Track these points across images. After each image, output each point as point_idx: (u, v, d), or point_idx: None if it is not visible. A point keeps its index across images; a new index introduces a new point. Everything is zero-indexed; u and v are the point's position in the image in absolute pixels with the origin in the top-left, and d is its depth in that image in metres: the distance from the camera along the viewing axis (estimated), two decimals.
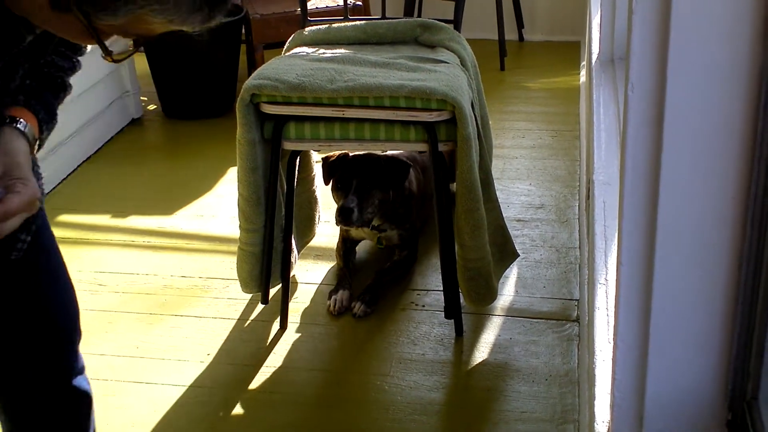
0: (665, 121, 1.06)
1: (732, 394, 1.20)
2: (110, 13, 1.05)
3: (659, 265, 1.14)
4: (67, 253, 2.76)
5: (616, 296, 1.19)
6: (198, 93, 3.89)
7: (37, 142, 1.30)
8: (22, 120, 1.26)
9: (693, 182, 1.09)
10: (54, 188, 3.27)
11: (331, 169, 2.48)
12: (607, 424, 1.31)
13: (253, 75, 2.23)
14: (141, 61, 3.96)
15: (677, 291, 1.15)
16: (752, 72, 1.02)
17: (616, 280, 1.18)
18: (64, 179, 3.36)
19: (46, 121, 1.33)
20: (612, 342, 1.25)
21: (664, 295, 1.16)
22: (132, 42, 1.18)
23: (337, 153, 2.49)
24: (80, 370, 1.49)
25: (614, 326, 1.21)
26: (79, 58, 1.45)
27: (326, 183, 2.49)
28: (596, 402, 1.42)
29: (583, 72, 3.93)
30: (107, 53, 1.14)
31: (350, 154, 2.48)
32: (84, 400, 1.51)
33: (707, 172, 1.08)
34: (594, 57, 2.79)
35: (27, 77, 1.31)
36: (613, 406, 1.25)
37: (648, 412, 1.23)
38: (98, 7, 1.05)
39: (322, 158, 2.52)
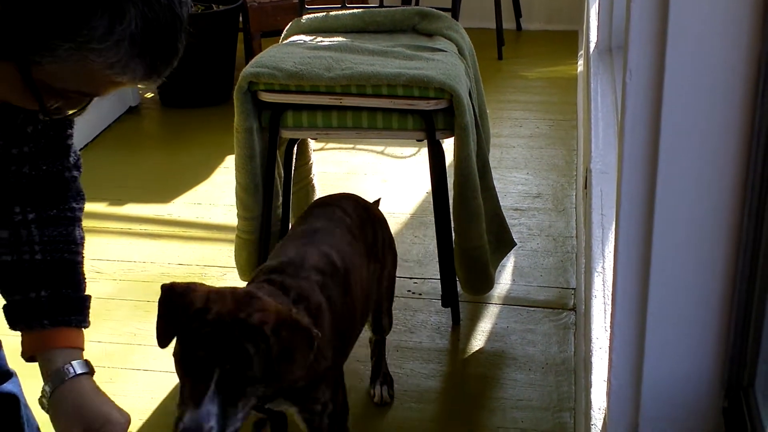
0: (663, 110, 1.06)
1: (728, 382, 1.20)
2: (50, 52, 1.00)
3: (656, 253, 1.14)
4: None
5: (613, 284, 1.20)
6: (195, 81, 3.88)
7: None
8: (73, 364, 1.24)
9: (690, 171, 1.09)
10: None
11: (172, 321, 1.39)
12: (604, 411, 1.31)
13: (250, 63, 2.23)
14: None
15: (674, 279, 1.15)
16: (750, 60, 1.02)
17: (613, 268, 1.19)
18: None
19: (83, 316, 1.31)
20: (609, 330, 1.26)
21: (660, 283, 1.16)
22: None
23: (187, 288, 1.41)
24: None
25: (611, 314, 1.21)
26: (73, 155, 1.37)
27: (161, 344, 1.43)
28: (593, 389, 1.43)
29: (580, 61, 3.93)
30: (45, 112, 1.08)
31: (210, 313, 1.33)
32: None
33: (704, 161, 1.08)
34: (592, 46, 2.79)
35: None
36: (609, 394, 1.25)
37: (644, 400, 1.23)
38: (37, 48, 1.00)
39: (163, 292, 1.43)
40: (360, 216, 1.91)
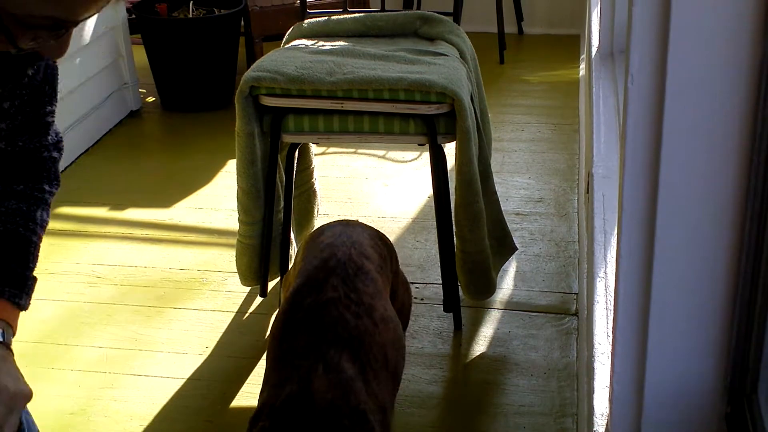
0: (665, 114, 1.05)
1: (731, 388, 1.19)
2: None
3: (658, 258, 1.13)
4: (65, 245, 2.79)
5: (615, 289, 1.19)
6: (197, 85, 3.88)
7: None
8: None
9: (692, 175, 1.08)
10: None
11: None
12: (606, 417, 1.30)
13: (252, 67, 2.23)
14: (140, 54, 3.95)
15: (677, 284, 1.15)
16: (753, 64, 1.02)
17: (616, 273, 1.18)
18: (62, 171, 3.34)
19: (21, 293, 1.23)
20: (611, 335, 1.25)
21: (663, 289, 1.15)
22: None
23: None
24: None
25: (613, 319, 1.21)
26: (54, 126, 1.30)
27: None
28: (595, 395, 1.42)
29: (582, 65, 3.92)
30: (12, 42, 1.00)
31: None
32: None
33: (707, 165, 1.08)
34: (594, 50, 2.79)
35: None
36: (611, 399, 1.25)
37: (647, 405, 1.23)
38: None
39: None
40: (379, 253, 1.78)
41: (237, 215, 2.35)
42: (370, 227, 1.88)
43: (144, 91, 4.07)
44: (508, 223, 2.43)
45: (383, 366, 1.52)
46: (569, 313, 2.38)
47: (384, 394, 1.49)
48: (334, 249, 1.68)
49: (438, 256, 2.33)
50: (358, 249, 1.70)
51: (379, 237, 1.85)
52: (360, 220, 1.97)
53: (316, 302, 1.55)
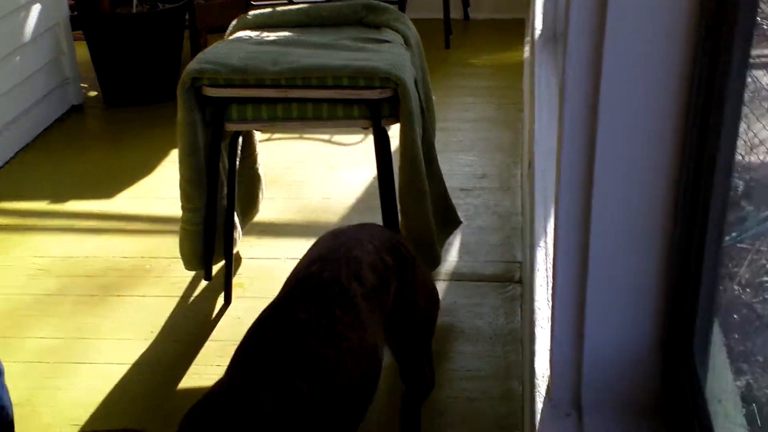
0: (601, 89, 1.07)
1: (667, 346, 1.21)
2: None
3: (594, 225, 1.15)
4: (6, 240, 2.74)
5: (554, 257, 1.20)
6: (140, 79, 3.83)
7: None
8: None
9: (627, 148, 1.11)
10: None
11: None
12: (547, 379, 1.31)
13: (194, 59, 2.20)
14: (81, 48, 3.89)
15: (612, 249, 1.16)
16: (686, 49, 1.05)
17: (554, 241, 1.20)
18: (2, 167, 3.29)
19: None
20: (551, 300, 1.26)
21: (599, 253, 1.17)
22: None
23: None
24: None
25: (552, 285, 1.22)
26: None
27: None
28: (536, 358, 1.43)
29: (527, 48, 3.94)
30: None
31: None
32: None
33: (641, 139, 1.10)
34: (537, 33, 2.81)
35: None
36: (552, 362, 1.26)
37: (586, 366, 1.24)
38: None
39: None
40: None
41: (180, 203, 2.32)
42: (387, 235, 1.72)
43: (86, 86, 4.02)
44: (452, 199, 2.44)
45: (343, 398, 1.43)
46: (514, 280, 2.40)
47: (338, 425, 1.43)
48: (323, 265, 1.55)
49: None
50: (353, 268, 1.55)
51: (390, 250, 1.66)
52: (374, 223, 1.84)
53: (285, 320, 1.47)
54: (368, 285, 1.54)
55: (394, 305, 1.62)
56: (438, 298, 1.87)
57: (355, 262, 1.55)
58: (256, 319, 1.52)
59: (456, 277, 2.43)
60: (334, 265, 1.54)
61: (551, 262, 1.55)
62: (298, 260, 1.66)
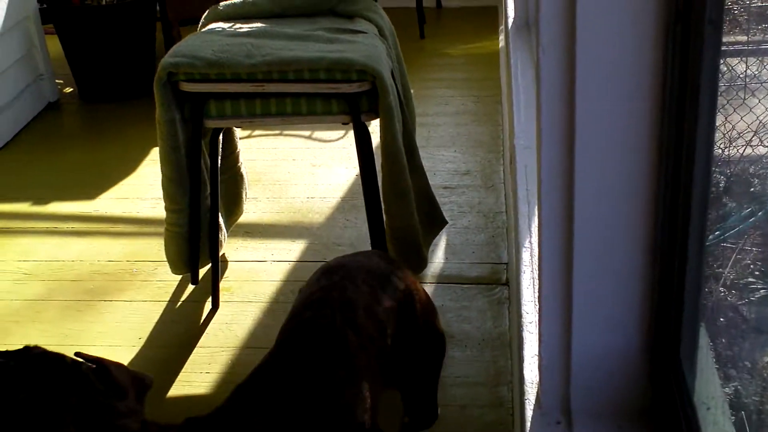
0: (577, 83, 1.07)
1: (654, 349, 1.23)
2: None
3: (578, 225, 1.16)
4: None
5: (539, 258, 1.21)
6: (115, 74, 3.81)
7: None
8: None
9: (608, 141, 1.11)
10: None
11: None
12: (536, 385, 1.33)
13: (168, 53, 2.20)
14: (54, 44, 3.85)
15: (598, 251, 1.17)
16: (659, 28, 1.04)
17: (538, 242, 1.20)
18: None
19: None
20: (537, 304, 1.27)
21: (585, 255, 1.17)
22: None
23: None
24: None
25: (538, 288, 1.23)
26: None
27: None
28: (525, 363, 1.44)
29: (501, 36, 3.95)
30: None
31: None
32: None
33: (620, 130, 1.10)
34: (510, 21, 2.81)
35: None
36: (540, 367, 1.27)
37: (574, 371, 1.25)
38: None
39: None
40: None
41: (163, 203, 2.32)
42: (383, 267, 1.60)
43: (61, 81, 3.99)
44: (436, 197, 2.45)
45: None
46: (500, 282, 2.41)
47: None
48: (315, 313, 1.46)
49: (368, 234, 2.34)
50: (346, 314, 1.46)
51: (387, 286, 1.56)
52: (369, 251, 1.71)
53: (268, 374, 1.42)
54: (365, 333, 1.45)
55: (394, 346, 1.53)
56: (442, 332, 1.73)
57: (349, 308, 1.47)
58: (250, 373, 1.44)
59: (442, 279, 2.45)
60: (325, 314, 1.45)
61: (537, 264, 1.57)
62: (294, 300, 1.59)
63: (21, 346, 1.21)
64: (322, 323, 1.44)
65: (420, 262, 2.34)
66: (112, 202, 2.97)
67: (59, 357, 1.14)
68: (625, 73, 1.07)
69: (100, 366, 1.18)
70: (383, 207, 2.27)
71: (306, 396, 1.36)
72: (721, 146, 1.29)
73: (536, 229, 1.73)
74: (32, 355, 1.12)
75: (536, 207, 1.81)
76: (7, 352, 1.12)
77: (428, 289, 2.41)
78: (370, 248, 2.34)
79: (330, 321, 1.44)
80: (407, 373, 1.63)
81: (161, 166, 2.26)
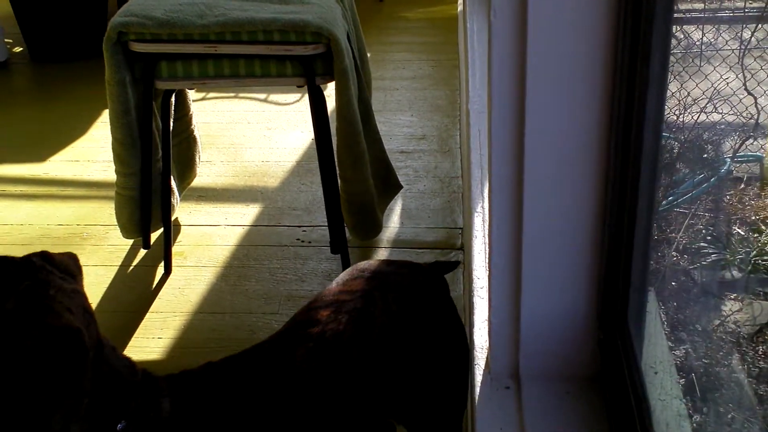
0: (528, 46, 1.06)
1: (602, 316, 1.23)
2: None
3: (528, 191, 1.15)
4: None
5: (489, 224, 1.21)
6: (66, 33, 3.72)
7: None
8: None
9: (557, 107, 1.10)
10: None
11: None
12: (486, 351, 1.33)
13: (118, 12, 2.14)
14: (3, 2, 3.76)
15: (547, 217, 1.17)
16: None
17: (489, 207, 1.20)
18: None
19: None
20: (487, 269, 1.27)
21: (533, 221, 1.17)
22: None
23: None
24: None
25: (488, 254, 1.23)
26: None
27: None
28: (475, 329, 1.45)
29: (460, 0, 3.93)
30: None
31: None
32: None
33: (570, 95, 1.09)
34: None
35: None
36: (490, 333, 1.27)
37: (524, 337, 1.26)
38: None
39: None
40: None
41: (114, 167, 2.28)
42: (429, 294, 1.47)
43: (10, 41, 3.89)
44: (392, 162, 2.43)
45: None
46: (455, 247, 2.41)
47: None
48: (331, 316, 1.37)
49: (323, 198, 2.32)
50: (360, 329, 1.36)
51: (407, 303, 1.42)
52: (403, 261, 1.52)
53: (256, 354, 1.34)
54: (374, 353, 1.36)
55: (408, 376, 1.42)
56: (466, 373, 1.51)
57: (367, 323, 1.36)
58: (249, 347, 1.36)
59: (398, 244, 2.44)
60: (343, 319, 1.35)
61: (488, 229, 1.57)
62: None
63: None
64: (329, 329, 1.34)
65: (375, 226, 2.33)
66: (62, 164, 2.92)
67: (5, 258, 1.10)
68: (576, 36, 1.06)
69: (44, 255, 1.15)
70: (338, 171, 2.25)
71: (270, 395, 1.28)
72: (676, 113, 1.29)
73: (488, 194, 1.73)
74: None
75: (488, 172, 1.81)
76: None
77: (384, 254, 2.40)
78: (325, 214, 2.32)
79: (340, 332, 1.34)
80: (425, 409, 1.49)
81: (111, 128, 2.21)
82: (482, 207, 1.75)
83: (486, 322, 1.36)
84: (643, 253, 1.17)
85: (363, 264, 1.48)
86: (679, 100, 1.27)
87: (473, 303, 1.52)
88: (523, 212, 1.17)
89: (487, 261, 1.55)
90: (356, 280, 1.43)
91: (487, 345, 1.30)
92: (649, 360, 1.18)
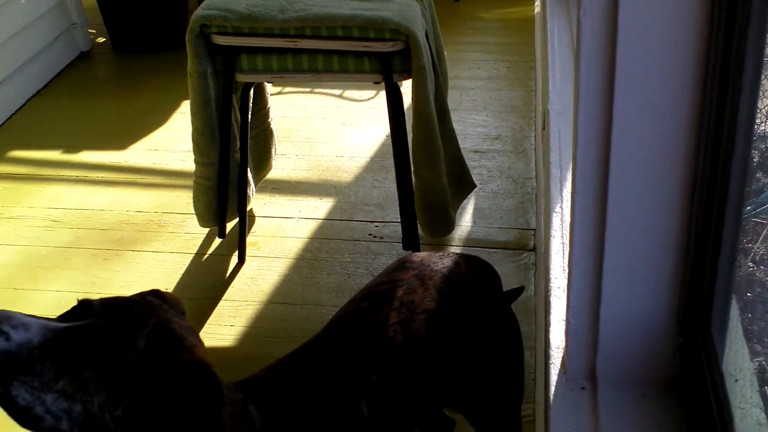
0: (618, 46, 1.05)
1: (684, 320, 1.22)
2: None
3: (612, 192, 1.14)
4: (19, 189, 2.75)
5: (570, 224, 1.20)
6: (148, 24, 3.80)
7: None
8: None
9: (646, 109, 1.09)
10: (2, 124, 3.21)
11: None
12: (562, 350, 1.33)
13: (201, 5, 2.18)
14: None
15: (631, 218, 1.16)
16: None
17: (571, 207, 1.19)
18: (13, 115, 3.29)
19: None
20: (567, 269, 1.26)
21: (617, 222, 1.16)
22: None
23: None
24: None
25: (569, 254, 1.22)
26: None
27: None
28: (551, 328, 1.44)
29: (538, 2, 3.90)
30: None
31: None
32: None
33: (660, 99, 1.08)
34: None
35: None
36: (567, 333, 1.27)
37: (602, 338, 1.25)
38: None
39: None
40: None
41: (193, 156, 2.32)
42: (473, 282, 1.48)
43: (94, 31, 3.98)
44: (466, 161, 2.43)
45: None
46: (527, 248, 2.40)
47: None
48: (372, 305, 1.38)
49: (397, 194, 2.33)
50: (402, 315, 1.36)
51: (467, 302, 1.43)
52: (452, 253, 1.53)
53: (305, 355, 1.37)
54: (417, 337, 1.35)
55: (457, 365, 1.42)
56: (521, 349, 1.57)
57: (409, 310, 1.37)
58: (296, 348, 1.39)
59: (469, 243, 2.44)
60: (385, 308, 1.36)
61: (567, 230, 1.56)
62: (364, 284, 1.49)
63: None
64: (374, 317, 1.36)
65: (447, 224, 2.33)
66: (142, 153, 2.98)
67: (125, 299, 1.12)
68: (667, 38, 1.05)
69: (157, 293, 1.18)
70: (413, 169, 2.26)
71: (328, 393, 1.29)
72: (757, 121, 1.27)
73: (568, 194, 1.72)
74: (102, 307, 1.10)
75: (569, 172, 1.80)
76: (68, 313, 1.10)
77: (455, 252, 2.40)
78: (398, 210, 2.33)
79: (383, 318, 1.35)
80: (478, 398, 1.50)
81: (192, 119, 2.26)
82: (561, 207, 1.74)
83: (563, 322, 1.35)
84: (729, 260, 1.15)
85: (404, 257, 1.50)
86: (760, 108, 1.25)
87: (549, 303, 1.51)
88: (606, 213, 1.16)
89: (566, 261, 1.54)
90: (406, 271, 1.44)
91: (563, 345, 1.30)
92: (730, 367, 1.17)
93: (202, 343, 1.13)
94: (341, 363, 1.31)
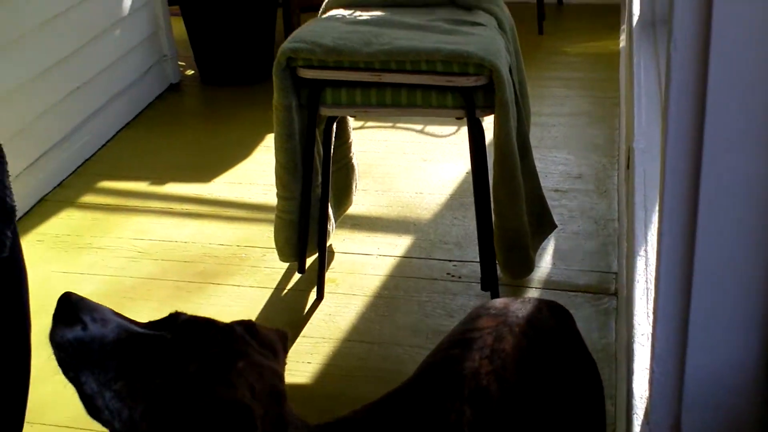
0: (709, 82, 1.02)
1: None
2: None
3: (701, 236, 1.11)
4: (107, 220, 2.82)
5: (656, 268, 1.17)
6: (235, 58, 3.88)
7: None
8: None
9: (739, 149, 1.05)
10: (93, 154, 3.30)
11: None
12: (646, 400, 1.29)
13: (288, 38, 2.21)
14: (178, 26, 3.95)
15: (721, 264, 1.12)
16: None
17: (657, 251, 1.16)
18: (104, 145, 3.38)
19: None
20: (651, 316, 1.23)
21: (706, 268, 1.13)
22: None
23: None
24: None
25: (654, 300, 1.19)
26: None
27: None
28: (634, 377, 1.40)
29: (623, 36, 3.85)
30: None
31: None
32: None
33: (754, 138, 1.05)
34: (635, 19, 2.73)
35: None
36: (651, 382, 1.23)
37: (687, 388, 1.21)
38: None
39: None
40: None
41: (275, 190, 2.34)
42: (557, 328, 1.43)
43: (183, 64, 4.09)
44: (547, 200, 2.40)
45: None
46: (608, 292, 2.35)
47: None
48: (462, 353, 1.33)
49: (476, 233, 2.31)
50: (495, 363, 1.31)
51: (550, 348, 1.38)
52: (538, 300, 1.49)
53: (394, 403, 1.33)
54: (509, 386, 1.31)
55: (543, 415, 1.36)
56: (603, 398, 1.53)
57: (500, 358, 1.33)
58: (383, 395, 1.34)
59: (549, 285, 2.40)
60: (476, 355, 1.31)
61: (652, 274, 1.52)
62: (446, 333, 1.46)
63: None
64: (467, 366, 1.31)
65: (527, 265, 2.30)
66: (225, 185, 3.03)
67: (209, 321, 1.14)
68: (761, 73, 1.01)
69: (248, 325, 1.18)
70: (493, 207, 2.24)
71: None
72: None
73: (653, 237, 1.68)
74: (182, 322, 1.12)
75: (654, 214, 1.75)
76: (155, 322, 1.13)
77: (534, 294, 2.36)
78: (477, 249, 2.31)
79: (476, 366, 1.31)
80: None
81: (276, 152, 2.28)
82: (645, 250, 1.70)
83: (646, 371, 1.31)
84: None
85: (486, 303, 1.47)
86: None
87: (632, 350, 1.47)
88: (694, 256, 1.12)
89: (649, 307, 1.50)
90: (492, 318, 1.40)
91: (647, 394, 1.26)
92: None
93: (270, 388, 1.11)
94: (433, 412, 1.27)
